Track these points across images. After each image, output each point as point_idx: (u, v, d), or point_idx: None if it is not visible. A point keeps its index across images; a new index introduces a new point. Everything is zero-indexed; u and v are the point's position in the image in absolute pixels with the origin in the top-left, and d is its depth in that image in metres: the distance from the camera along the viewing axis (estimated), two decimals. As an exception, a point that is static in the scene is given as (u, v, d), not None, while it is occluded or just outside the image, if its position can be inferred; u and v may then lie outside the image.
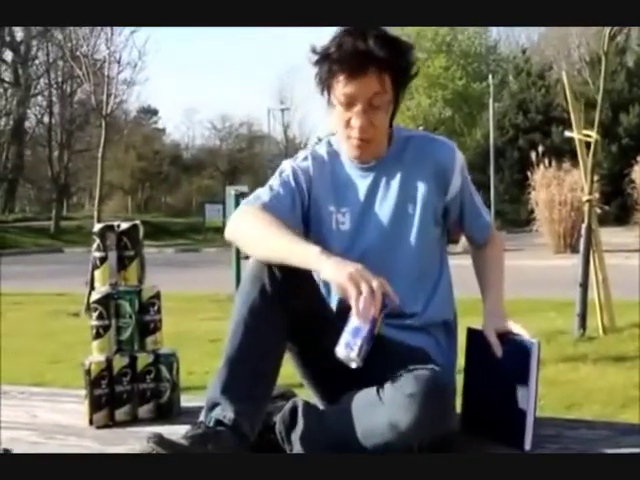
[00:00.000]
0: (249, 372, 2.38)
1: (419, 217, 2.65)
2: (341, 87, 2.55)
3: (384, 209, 2.67)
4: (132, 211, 49.69)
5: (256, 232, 2.51)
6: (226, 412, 2.33)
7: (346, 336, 2.22)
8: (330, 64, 2.56)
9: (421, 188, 2.66)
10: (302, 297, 2.47)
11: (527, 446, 2.39)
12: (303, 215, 2.69)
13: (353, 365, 2.22)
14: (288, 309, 2.44)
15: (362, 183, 2.69)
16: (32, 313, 10.58)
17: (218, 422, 2.32)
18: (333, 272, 2.27)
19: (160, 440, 2.20)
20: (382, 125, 2.62)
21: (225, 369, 2.40)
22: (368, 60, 2.51)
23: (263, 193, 2.65)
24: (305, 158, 2.74)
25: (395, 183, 2.67)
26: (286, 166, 2.72)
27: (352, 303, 2.21)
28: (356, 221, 2.67)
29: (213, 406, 2.37)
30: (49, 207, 44.21)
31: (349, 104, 2.56)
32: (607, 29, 7.69)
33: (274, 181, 2.69)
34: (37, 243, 35.29)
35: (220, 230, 36.21)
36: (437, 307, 2.67)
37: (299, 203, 2.67)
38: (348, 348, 2.21)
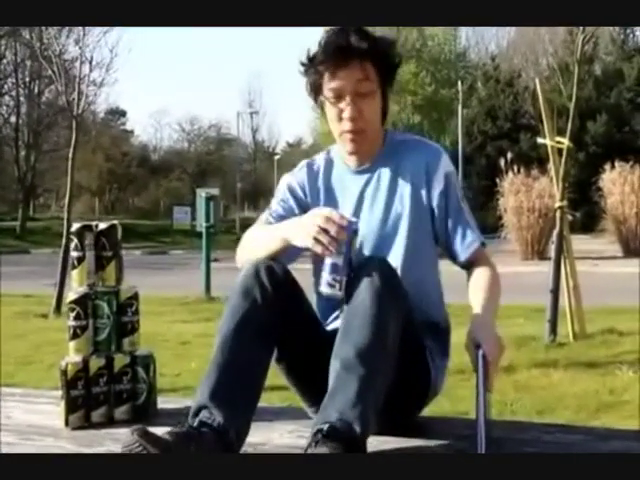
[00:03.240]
0: (237, 383, 2.39)
1: (408, 216, 2.70)
2: (328, 83, 2.66)
3: (376, 209, 2.73)
4: (99, 213, 49.44)
5: (252, 240, 2.69)
6: (214, 416, 2.32)
7: (325, 275, 2.40)
8: (315, 67, 2.68)
9: (409, 188, 2.71)
10: (291, 311, 2.53)
11: (479, 450, 2.32)
12: None
13: (338, 298, 2.41)
14: (277, 322, 2.48)
15: (355, 185, 2.76)
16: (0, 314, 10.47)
17: (203, 424, 2.31)
18: (298, 239, 2.44)
19: (144, 433, 2.19)
20: (372, 115, 2.70)
21: (213, 378, 2.40)
22: (348, 52, 2.62)
23: (263, 214, 2.81)
24: (301, 168, 2.87)
25: (386, 184, 2.74)
26: (282, 183, 2.86)
27: (319, 252, 2.37)
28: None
29: (199, 410, 2.36)
30: (15, 208, 43.88)
31: (337, 97, 2.66)
32: (580, 37, 7.75)
33: (273, 201, 2.84)
34: (3, 244, 34.92)
35: (188, 233, 36.16)
36: (426, 308, 2.69)
37: (300, 213, 2.74)
38: (329, 286, 2.39)
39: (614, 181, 21.52)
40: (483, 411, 2.34)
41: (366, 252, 2.69)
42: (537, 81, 8.44)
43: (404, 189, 2.72)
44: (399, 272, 2.62)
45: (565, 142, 7.92)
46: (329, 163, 2.84)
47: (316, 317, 2.69)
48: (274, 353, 2.54)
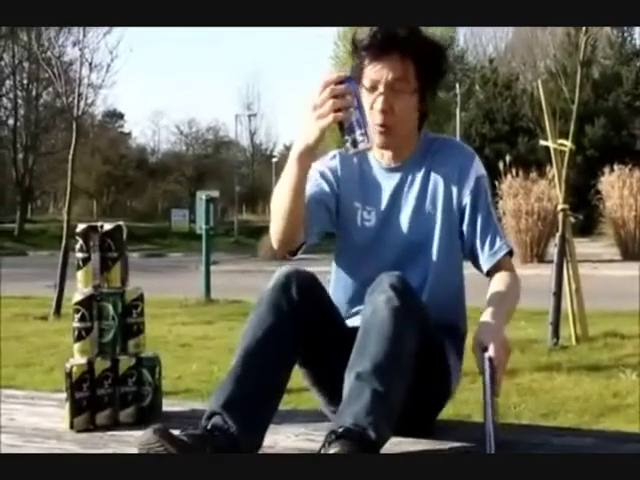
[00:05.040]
0: (254, 397, 2.38)
1: (440, 219, 2.68)
2: (367, 71, 2.64)
3: (407, 209, 2.71)
4: (97, 215, 49.33)
5: (275, 197, 2.56)
6: (227, 424, 2.31)
7: (354, 136, 2.39)
8: (359, 52, 2.67)
9: (442, 191, 2.69)
10: (318, 320, 2.54)
11: (488, 451, 2.29)
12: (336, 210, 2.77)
13: (368, 148, 2.45)
14: (302, 334, 2.50)
15: (388, 183, 2.74)
16: (-1, 316, 10.45)
17: (216, 428, 2.31)
18: (312, 131, 2.38)
19: (165, 433, 2.19)
20: (404, 114, 2.66)
21: (230, 389, 2.38)
22: (391, 43, 2.61)
23: None
24: (333, 157, 2.81)
25: (418, 185, 2.71)
26: (312, 171, 2.66)
27: (344, 117, 2.35)
28: (381, 219, 2.73)
29: (212, 415, 2.36)
30: (13, 210, 43.81)
31: (372, 87, 2.63)
32: (583, 39, 7.74)
33: None
34: (1, 246, 34.90)
35: (186, 235, 36.12)
36: (449, 311, 2.68)
37: (332, 200, 2.74)
38: (359, 143, 2.39)
39: (613, 184, 21.51)
40: (491, 415, 2.31)
41: (398, 254, 2.68)
42: (539, 82, 8.42)
43: (436, 191, 2.70)
44: (430, 276, 2.65)
45: (568, 144, 7.90)
46: (362, 157, 2.78)
47: (341, 321, 2.67)
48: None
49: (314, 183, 2.72)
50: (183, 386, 6.08)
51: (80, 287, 2.96)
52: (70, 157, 11.20)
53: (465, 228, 2.68)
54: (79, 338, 2.92)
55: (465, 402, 4.95)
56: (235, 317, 9.68)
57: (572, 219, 8.25)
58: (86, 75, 11.92)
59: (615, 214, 21.49)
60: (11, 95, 44.93)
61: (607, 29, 35.36)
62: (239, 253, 28.76)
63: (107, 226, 3.00)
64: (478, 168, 2.71)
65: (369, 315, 2.37)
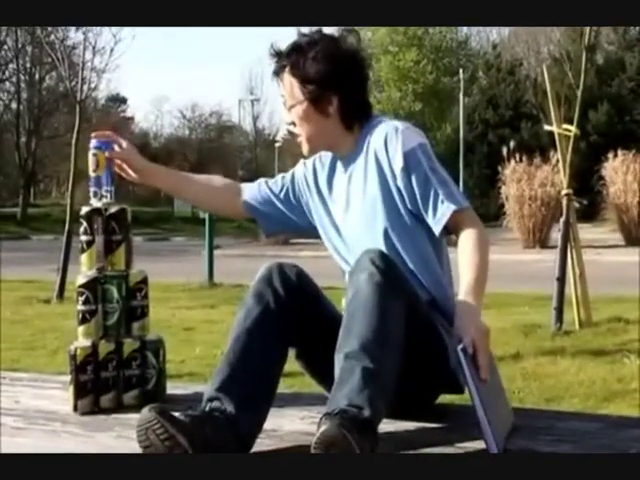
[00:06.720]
0: (248, 380, 2.43)
1: (381, 200, 2.68)
2: None
3: (356, 197, 2.75)
4: (99, 199, 49.34)
5: None
6: (224, 406, 2.37)
7: (92, 190, 2.96)
8: None
9: (376, 172, 2.69)
10: (306, 311, 2.59)
11: (492, 450, 2.24)
12: (299, 207, 2.94)
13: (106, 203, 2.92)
14: (291, 324, 2.55)
15: (343, 176, 2.81)
16: (3, 299, 10.47)
17: (215, 409, 2.37)
18: None
19: (162, 411, 2.23)
20: (301, 122, 2.77)
21: (224, 373, 2.45)
22: (279, 63, 2.77)
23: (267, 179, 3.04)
24: (307, 162, 2.95)
25: (360, 172, 2.75)
26: (298, 165, 2.98)
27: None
28: (342, 211, 2.80)
29: (210, 401, 2.41)
30: (16, 194, 43.82)
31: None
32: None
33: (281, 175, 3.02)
34: (4, 230, 34.90)
35: (189, 220, 36.13)
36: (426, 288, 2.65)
37: (283, 197, 2.94)
38: (98, 197, 2.95)
39: (616, 170, 21.49)
40: (482, 407, 2.26)
41: (355, 242, 2.72)
42: (544, 67, 8.41)
43: (373, 174, 2.70)
44: (389, 250, 2.62)
45: (572, 129, 7.89)
46: (333, 161, 2.88)
47: (334, 312, 2.67)
48: (288, 353, 2.60)
49: (280, 180, 2.98)
50: (187, 370, 6.10)
51: (84, 270, 2.96)
52: (73, 141, 11.24)
53: (410, 206, 2.64)
54: (83, 321, 2.92)
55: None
56: (238, 301, 9.64)
57: (576, 204, 8.24)
58: (89, 59, 11.94)
59: (618, 200, 21.46)
60: (14, 79, 44.89)
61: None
62: (242, 237, 28.75)
63: (111, 208, 3.00)
64: (406, 142, 2.64)
65: (352, 294, 2.38)
